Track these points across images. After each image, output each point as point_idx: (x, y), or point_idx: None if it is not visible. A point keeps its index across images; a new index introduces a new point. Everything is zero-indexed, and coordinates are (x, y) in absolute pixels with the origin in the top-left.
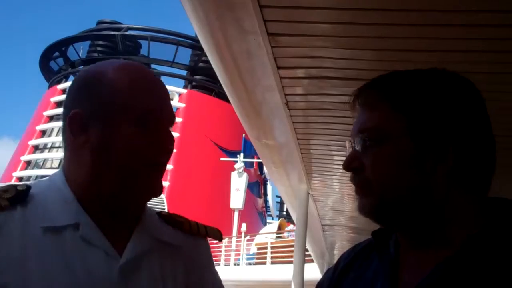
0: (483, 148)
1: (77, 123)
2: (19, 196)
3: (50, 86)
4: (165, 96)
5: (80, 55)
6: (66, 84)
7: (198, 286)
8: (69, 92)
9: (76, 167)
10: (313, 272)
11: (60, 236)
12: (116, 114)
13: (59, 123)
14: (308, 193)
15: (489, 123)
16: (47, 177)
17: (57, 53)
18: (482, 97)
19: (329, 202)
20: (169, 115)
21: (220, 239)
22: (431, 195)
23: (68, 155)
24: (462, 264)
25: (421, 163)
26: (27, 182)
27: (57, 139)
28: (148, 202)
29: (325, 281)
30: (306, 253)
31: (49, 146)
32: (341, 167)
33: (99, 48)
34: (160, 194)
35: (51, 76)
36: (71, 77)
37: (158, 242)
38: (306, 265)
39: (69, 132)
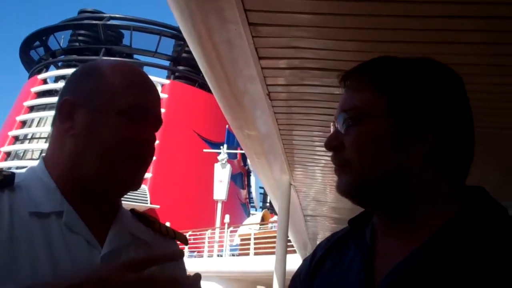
0: (462, 134)
1: (65, 109)
2: (6, 180)
3: (30, 76)
4: (155, 98)
5: (61, 45)
6: (47, 74)
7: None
8: (65, 82)
9: (58, 153)
10: (296, 262)
11: (46, 222)
12: (103, 103)
13: (40, 114)
14: (290, 184)
15: (470, 112)
16: (26, 168)
17: (37, 43)
18: (464, 87)
19: (311, 193)
20: (156, 115)
21: (186, 243)
22: (408, 176)
23: (52, 142)
24: (436, 250)
25: (400, 144)
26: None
27: (38, 129)
28: (131, 194)
29: (302, 270)
30: (289, 244)
31: (29, 136)
32: (324, 158)
33: (80, 38)
34: (138, 187)
35: (32, 66)
36: (52, 67)
37: (134, 238)
38: (289, 256)
39: (57, 119)
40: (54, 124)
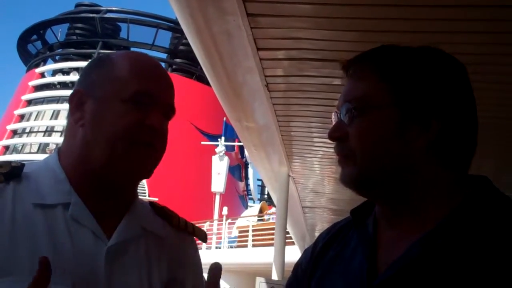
0: (466, 125)
1: (75, 100)
2: (13, 172)
3: (28, 70)
4: (164, 86)
5: (59, 38)
6: (44, 68)
7: (179, 280)
8: (80, 75)
9: (70, 144)
10: (294, 254)
11: (51, 214)
12: (109, 91)
13: (38, 107)
14: (289, 176)
15: (473, 101)
16: (42, 159)
17: (35, 36)
18: (469, 78)
19: (309, 184)
20: (165, 103)
21: (205, 240)
22: (412, 166)
23: (66, 134)
24: (439, 240)
25: (405, 134)
26: (21, 161)
27: (36, 123)
28: None
29: (304, 261)
30: (287, 235)
31: (27, 130)
32: (322, 149)
33: (77, 31)
34: (148, 176)
35: (29, 60)
36: (50, 61)
37: (146, 231)
38: (287, 248)
39: (70, 109)
40: (67, 116)
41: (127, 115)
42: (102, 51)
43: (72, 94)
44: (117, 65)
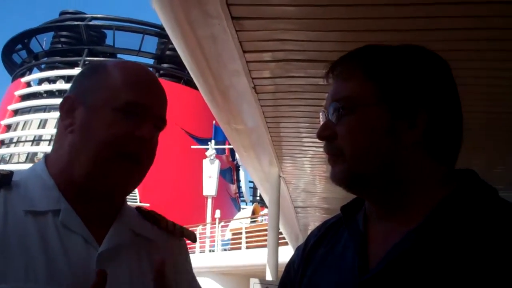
0: (452, 118)
1: (66, 106)
2: (3, 179)
3: (13, 80)
4: (157, 97)
5: (44, 47)
6: (30, 77)
7: (173, 282)
8: (71, 82)
9: (58, 151)
10: (288, 254)
11: (41, 221)
12: (101, 99)
13: (25, 117)
14: (280, 176)
15: (458, 96)
16: (29, 167)
17: (19, 46)
18: (453, 73)
19: (300, 184)
20: (156, 114)
21: (194, 241)
22: (401, 162)
23: (55, 140)
24: (428, 232)
25: (393, 131)
26: (10, 169)
27: (23, 133)
28: None
29: (296, 259)
30: (280, 236)
31: (15, 140)
32: (312, 149)
33: (63, 39)
34: (131, 190)
35: (15, 69)
36: (35, 70)
37: (136, 236)
38: (281, 248)
39: (59, 115)
40: (57, 122)
41: (116, 124)
42: (88, 58)
43: (63, 100)
44: (111, 73)
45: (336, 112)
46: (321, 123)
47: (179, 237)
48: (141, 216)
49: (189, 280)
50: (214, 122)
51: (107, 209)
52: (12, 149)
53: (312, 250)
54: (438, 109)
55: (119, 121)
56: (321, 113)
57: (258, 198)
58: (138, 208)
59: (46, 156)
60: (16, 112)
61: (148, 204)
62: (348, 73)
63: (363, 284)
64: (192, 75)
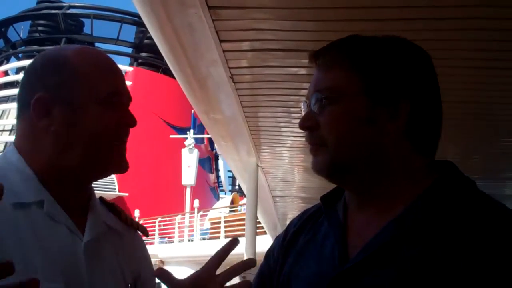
0: (433, 110)
1: (41, 107)
2: None
3: None
4: (122, 76)
5: (21, 36)
6: (8, 66)
7: (139, 273)
8: (29, 74)
9: (37, 149)
10: (266, 243)
11: (29, 212)
12: (79, 95)
13: (2, 106)
14: (258, 166)
15: (438, 88)
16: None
17: None
18: (433, 63)
19: (279, 174)
20: (128, 94)
21: (147, 234)
22: (383, 153)
23: (26, 136)
24: (409, 222)
25: (375, 121)
26: None
27: (1, 122)
28: (100, 182)
29: (275, 248)
30: (259, 225)
31: None
32: (290, 138)
33: (40, 28)
34: (127, 168)
35: None
36: (13, 59)
37: (108, 228)
38: (259, 237)
39: (32, 115)
40: (21, 118)
41: (106, 117)
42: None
43: (35, 101)
44: (79, 65)
45: (319, 102)
46: (303, 113)
47: (135, 229)
48: (105, 207)
49: (148, 272)
50: (192, 111)
51: (82, 199)
52: None
53: (292, 239)
54: (420, 100)
55: (106, 113)
56: (302, 103)
57: (237, 187)
58: (101, 199)
59: (18, 147)
60: None
61: (126, 194)
62: (330, 63)
63: (343, 274)
64: (169, 65)
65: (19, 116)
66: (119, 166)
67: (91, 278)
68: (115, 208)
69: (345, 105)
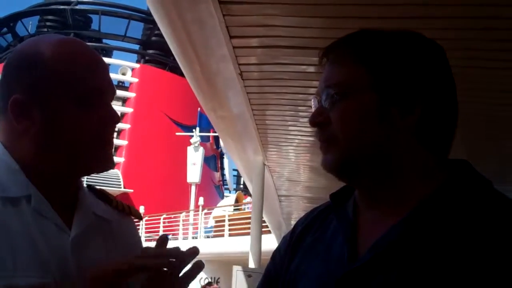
0: (447, 108)
1: (18, 109)
2: None
3: None
4: (104, 70)
5: (29, 31)
6: None
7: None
8: (5, 73)
9: (20, 147)
10: (271, 243)
11: (18, 207)
12: (57, 96)
13: None
14: (264, 164)
15: (454, 85)
16: None
17: (5, 29)
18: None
19: (285, 173)
20: (111, 88)
21: (140, 218)
22: (395, 150)
23: (8, 136)
24: (419, 222)
25: (387, 118)
26: None
27: None
28: (105, 178)
29: (282, 246)
30: (263, 224)
31: None
32: (297, 137)
33: (48, 23)
34: (113, 167)
35: (0, 53)
36: None
37: (97, 217)
38: (264, 236)
39: (10, 117)
40: (1, 117)
41: (83, 117)
42: (46, 36)
43: (12, 103)
44: (54, 63)
45: (330, 98)
46: (313, 109)
47: (128, 215)
48: (94, 196)
49: None
50: (199, 109)
51: (68, 191)
52: None
53: (299, 238)
54: (433, 97)
55: (84, 111)
56: (313, 99)
57: (241, 186)
58: (89, 187)
59: (2, 141)
60: None
61: (131, 190)
62: (342, 58)
63: (351, 273)
64: (178, 60)
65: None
66: (105, 166)
67: (79, 274)
68: (105, 195)
69: (356, 101)
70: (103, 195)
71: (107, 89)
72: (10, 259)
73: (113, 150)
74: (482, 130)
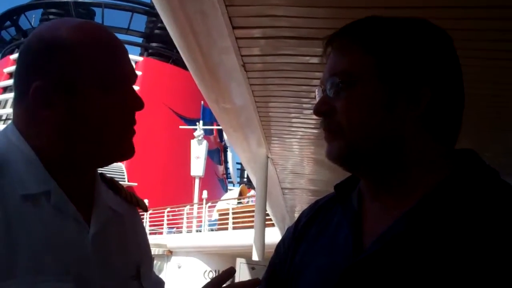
0: (454, 98)
1: (40, 96)
2: None
3: (2, 57)
4: (126, 54)
5: (33, 24)
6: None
7: (141, 261)
8: (24, 59)
9: (39, 136)
10: (274, 235)
11: (37, 204)
12: (83, 84)
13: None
14: (268, 157)
15: (461, 75)
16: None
17: (8, 23)
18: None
19: (288, 166)
20: (133, 73)
21: (146, 210)
22: (401, 140)
23: (26, 124)
24: (425, 213)
25: (394, 107)
26: None
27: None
28: (108, 172)
29: (286, 238)
30: (267, 217)
31: (4, 118)
32: (301, 130)
33: (51, 17)
34: (133, 154)
35: (4, 46)
36: None
37: (112, 212)
38: (267, 229)
39: (31, 105)
40: (19, 106)
41: (110, 104)
42: (61, 20)
43: (33, 91)
44: (78, 47)
45: (335, 87)
46: (317, 99)
47: (135, 206)
48: (106, 186)
49: (147, 252)
50: (202, 102)
51: (87, 183)
52: (1, 126)
53: (304, 229)
54: (440, 87)
55: (110, 97)
56: (317, 88)
57: (245, 179)
58: (101, 176)
59: (17, 127)
60: (5, 90)
61: (135, 184)
62: (347, 47)
63: (357, 264)
64: (180, 52)
65: (16, 104)
66: (127, 153)
67: (98, 274)
68: (115, 185)
69: (362, 89)
70: (113, 185)
71: (131, 74)
72: (31, 263)
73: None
74: (486, 121)
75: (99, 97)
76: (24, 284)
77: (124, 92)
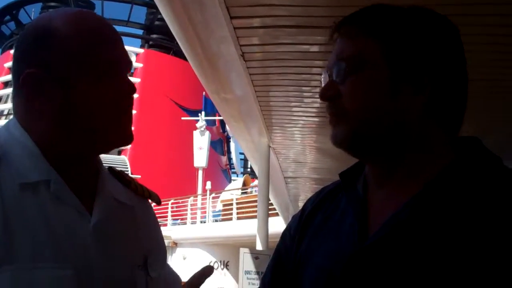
0: (458, 85)
1: (31, 85)
2: None
3: (3, 51)
4: (119, 41)
5: (32, 18)
6: None
7: (150, 251)
8: (19, 47)
9: (36, 127)
10: (278, 225)
11: (36, 193)
12: (75, 71)
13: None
14: (269, 146)
15: (465, 63)
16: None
17: (8, 17)
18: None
19: (290, 155)
20: (127, 60)
21: (159, 203)
22: (406, 126)
23: (24, 115)
24: (430, 200)
25: (399, 93)
26: None
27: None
28: (112, 166)
29: (292, 226)
30: (271, 207)
31: (5, 113)
32: (302, 118)
33: (51, 10)
34: (132, 140)
35: (4, 41)
36: None
37: (119, 203)
38: (271, 219)
39: (24, 94)
40: (16, 96)
41: (102, 92)
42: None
43: (24, 79)
44: (70, 36)
45: (341, 72)
46: (323, 84)
47: (146, 198)
48: (113, 178)
49: (160, 244)
50: (204, 93)
51: (89, 173)
52: (2, 121)
53: (310, 217)
54: (445, 74)
55: (103, 84)
56: (323, 72)
57: (249, 169)
58: (110, 169)
59: (18, 120)
60: (6, 84)
61: (139, 176)
62: (354, 32)
63: (362, 251)
64: (179, 43)
65: (15, 94)
66: (124, 138)
67: (100, 262)
68: (124, 177)
69: (368, 75)
70: (122, 178)
71: (124, 61)
72: (29, 249)
73: (131, 122)
74: (489, 107)
75: (91, 84)
76: (22, 270)
77: (115, 78)
